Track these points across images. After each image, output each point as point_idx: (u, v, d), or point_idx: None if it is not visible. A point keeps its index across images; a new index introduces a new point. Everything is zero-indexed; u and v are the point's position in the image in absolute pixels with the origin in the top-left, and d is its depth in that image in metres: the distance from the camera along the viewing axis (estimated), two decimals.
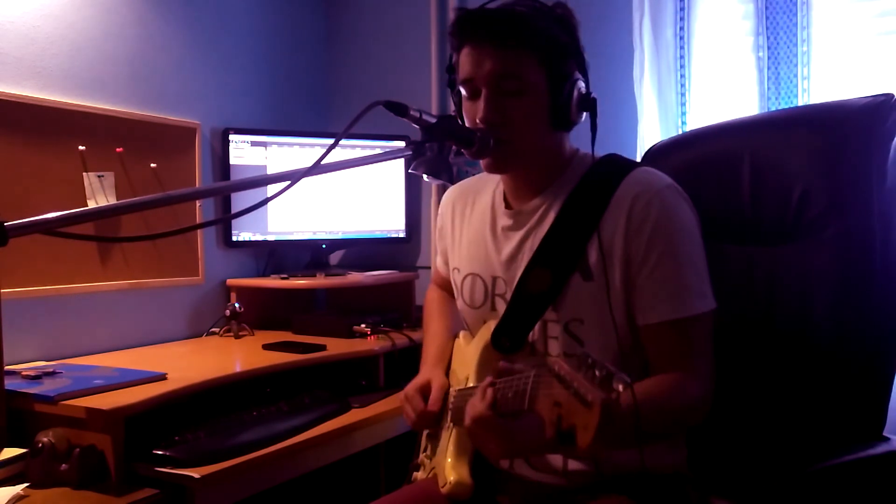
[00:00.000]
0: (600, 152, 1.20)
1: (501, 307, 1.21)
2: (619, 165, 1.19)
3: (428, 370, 1.34)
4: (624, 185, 1.13)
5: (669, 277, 1.09)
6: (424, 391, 1.28)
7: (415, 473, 1.34)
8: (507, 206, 1.25)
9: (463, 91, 1.17)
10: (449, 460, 1.17)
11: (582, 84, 1.15)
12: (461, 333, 1.34)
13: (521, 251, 1.20)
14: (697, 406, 1.08)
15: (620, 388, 0.71)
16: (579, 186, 1.17)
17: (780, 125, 1.38)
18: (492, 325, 1.20)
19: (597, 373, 0.73)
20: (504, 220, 1.24)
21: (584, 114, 1.17)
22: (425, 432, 1.35)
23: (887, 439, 1.16)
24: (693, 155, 1.45)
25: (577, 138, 1.23)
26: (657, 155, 1.51)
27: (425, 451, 1.33)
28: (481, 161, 1.17)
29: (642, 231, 1.10)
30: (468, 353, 1.25)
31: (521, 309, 1.17)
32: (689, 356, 1.09)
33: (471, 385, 1.19)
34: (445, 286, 1.46)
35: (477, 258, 1.27)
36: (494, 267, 1.23)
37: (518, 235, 1.21)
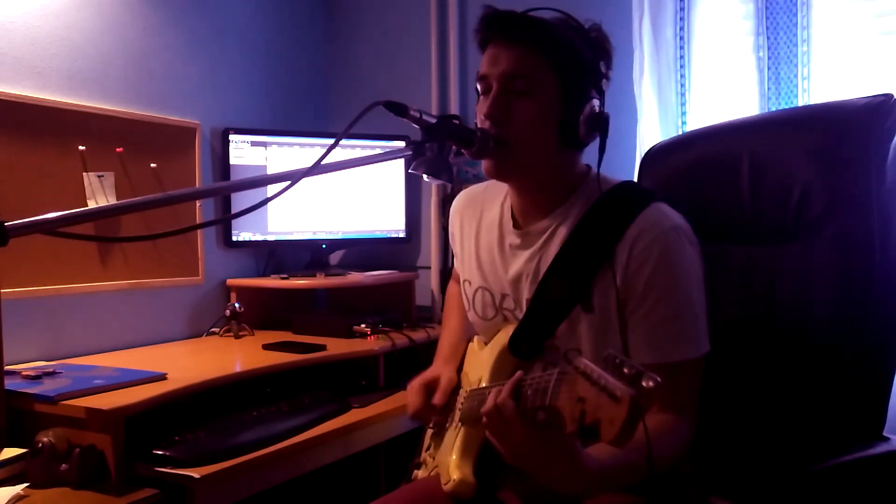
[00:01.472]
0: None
1: (512, 321, 1.21)
2: (632, 199, 1.15)
3: (439, 365, 1.35)
4: (633, 227, 1.11)
5: (663, 321, 1.09)
6: (431, 385, 1.29)
7: (416, 471, 1.34)
8: (515, 223, 1.24)
9: (478, 88, 1.17)
10: (453, 458, 1.17)
11: (596, 102, 1.14)
12: (475, 338, 1.34)
13: (527, 271, 1.19)
14: (685, 446, 1.09)
15: (651, 384, 0.71)
16: (590, 214, 1.15)
17: (780, 125, 1.38)
18: (510, 329, 1.20)
19: (625, 370, 0.74)
20: (512, 238, 1.23)
21: (595, 136, 1.15)
22: (429, 431, 1.35)
23: (887, 439, 1.16)
24: (693, 155, 1.45)
25: (584, 153, 1.22)
26: (657, 155, 1.51)
27: (428, 449, 1.33)
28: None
29: (642, 272, 1.09)
30: (482, 357, 1.25)
31: (541, 315, 1.17)
32: (679, 398, 1.09)
33: (484, 386, 1.19)
34: None
35: (487, 273, 1.26)
36: (503, 284, 1.23)
37: (525, 255, 1.20)
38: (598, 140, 1.15)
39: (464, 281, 1.34)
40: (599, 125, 1.14)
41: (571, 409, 0.80)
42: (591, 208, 1.16)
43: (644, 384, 0.71)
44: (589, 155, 1.21)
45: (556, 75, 1.11)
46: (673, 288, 1.09)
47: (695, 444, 1.20)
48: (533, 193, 1.20)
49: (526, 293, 1.19)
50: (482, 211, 1.32)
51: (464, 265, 1.34)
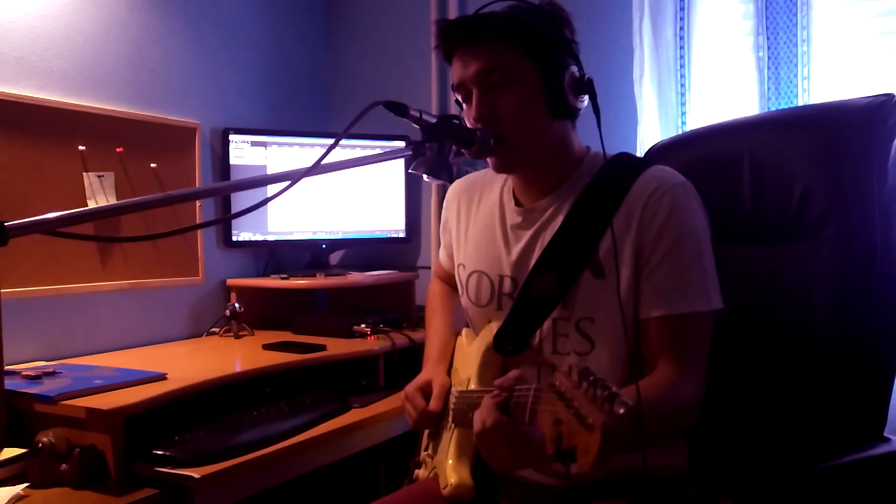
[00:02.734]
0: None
1: (508, 306, 1.21)
2: (632, 163, 1.19)
3: (430, 369, 1.33)
4: (638, 183, 1.13)
5: (672, 273, 1.09)
6: (425, 390, 1.28)
7: (416, 471, 1.34)
8: (517, 203, 1.24)
9: (458, 97, 1.18)
10: (450, 462, 1.17)
11: (574, 68, 1.15)
12: (464, 331, 1.34)
13: (532, 250, 1.19)
14: (692, 408, 1.08)
15: (622, 411, 0.70)
16: (592, 184, 1.17)
17: (780, 125, 1.38)
18: (494, 326, 1.20)
19: (598, 392, 0.73)
20: (514, 218, 1.23)
21: (585, 100, 1.16)
22: (427, 430, 1.34)
23: (888, 440, 1.16)
24: (693, 155, 1.45)
25: (585, 136, 1.23)
26: (658, 155, 1.50)
27: (427, 449, 1.33)
28: (489, 161, 1.18)
29: (652, 224, 1.10)
30: (470, 353, 1.25)
31: (525, 311, 1.17)
32: (685, 354, 1.09)
33: (472, 387, 1.19)
34: (447, 279, 1.46)
35: (484, 256, 1.26)
36: (503, 266, 1.23)
37: (528, 234, 1.20)
38: (592, 113, 1.16)
39: (458, 265, 1.33)
40: (585, 87, 1.15)
41: (550, 431, 0.80)
42: (593, 179, 1.17)
43: (616, 409, 0.70)
44: (590, 141, 1.21)
45: (528, 57, 1.12)
46: (682, 240, 1.10)
47: (695, 445, 1.20)
48: (536, 173, 1.21)
49: (528, 273, 1.19)
50: (481, 194, 1.32)
51: (459, 249, 1.34)
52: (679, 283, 1.09)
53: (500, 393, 0.95)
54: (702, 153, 1.44)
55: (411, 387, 1.30)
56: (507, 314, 1.19)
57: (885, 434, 1.18)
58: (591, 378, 0.75)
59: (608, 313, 1.11)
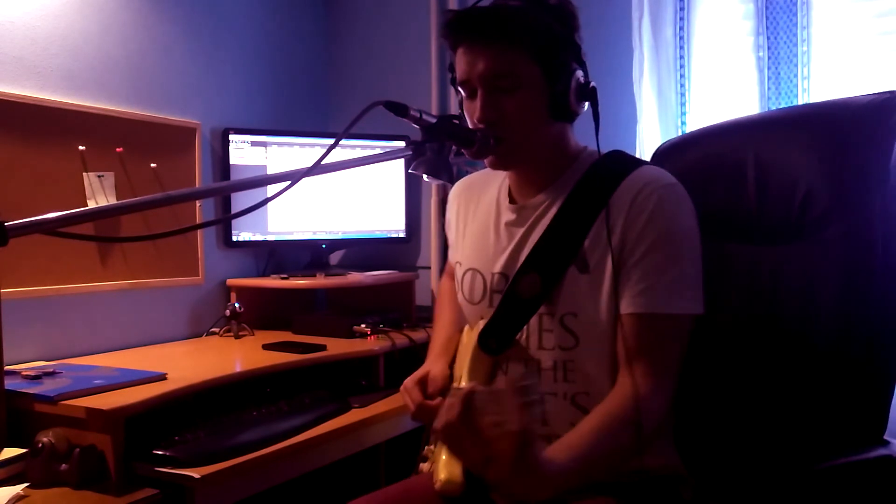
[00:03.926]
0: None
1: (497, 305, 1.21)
2: (624, 161, 1.19)
3: (430, 361, 1.34)
4: (628, 180, 1.13)
5: (648, 272, 1.09)
6: (423, 382, 1.28)
7: (422, 465, 1.34)
8: (512, 200, 1.25)
9: (462, 92, 1.18)
10: (443, 457, 1.17)
11: (580, 73, 1.15)
12: (466, 327, 1.34)
13: (523, 247, 1.20)
14: (651, 417, 1.06)
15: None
16: (582, 181, 1.17)
17: (784, 124, 1.38)
18: (482, 324, 1.21)
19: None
20: (507, 216, 1.24)
21: (586, 105, 1.17)
22: (432, 424, 1.34)
23: (887, 443, 1.16)
24: (699, 154, 1.44)
25: (584, 136, 1.23)
26: (664, 155, 1.50)
27: (430, 443, 1.33)
28: (486, 159, 1.18)
29: (637, 222, 1.10)
30: (464, 350, 1.26)
31: (511, 309, 1.17)
32: (653, 357, 1.08)
33: (462, 384, 1.19)
34: None
35: (478, 254, 1.27)
36: (495, 263, 1.23)
37: (521, 231, 1.21)
38: (592, 116, 1.17)
39: (455, 263, 1.34)
40: (588, 94, 1.15)
41: (489, 434, 0.80)
42: (583, 176, 1.17)
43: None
44: (587, 139, 1.22)
45: (537, 62, 1.12)
46: (663, 240, 1.09)
47: (694, 445, 1.20)
48: (531, 171, 1.21)
49: (517, 269, 1.19)
50: (480, 193, 1.33)
51: (457, 246, 1.35)
52: (652, 283, 1.09)
53: (462, 395, 0.95)
54: (707, 153, 1.43)
55: (410, 380, 1.29)
56: (492, 314, 1.19)
57: (885, 437, 1.18)
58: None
59: (592, 309, 1.12)
